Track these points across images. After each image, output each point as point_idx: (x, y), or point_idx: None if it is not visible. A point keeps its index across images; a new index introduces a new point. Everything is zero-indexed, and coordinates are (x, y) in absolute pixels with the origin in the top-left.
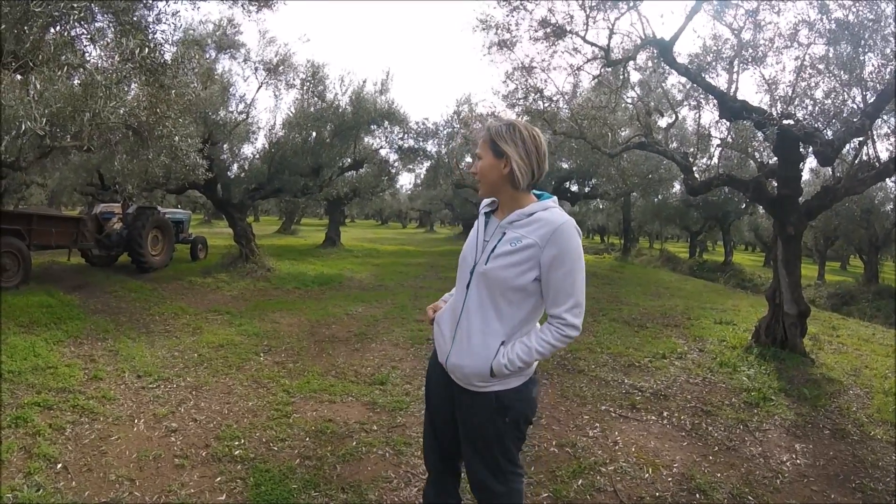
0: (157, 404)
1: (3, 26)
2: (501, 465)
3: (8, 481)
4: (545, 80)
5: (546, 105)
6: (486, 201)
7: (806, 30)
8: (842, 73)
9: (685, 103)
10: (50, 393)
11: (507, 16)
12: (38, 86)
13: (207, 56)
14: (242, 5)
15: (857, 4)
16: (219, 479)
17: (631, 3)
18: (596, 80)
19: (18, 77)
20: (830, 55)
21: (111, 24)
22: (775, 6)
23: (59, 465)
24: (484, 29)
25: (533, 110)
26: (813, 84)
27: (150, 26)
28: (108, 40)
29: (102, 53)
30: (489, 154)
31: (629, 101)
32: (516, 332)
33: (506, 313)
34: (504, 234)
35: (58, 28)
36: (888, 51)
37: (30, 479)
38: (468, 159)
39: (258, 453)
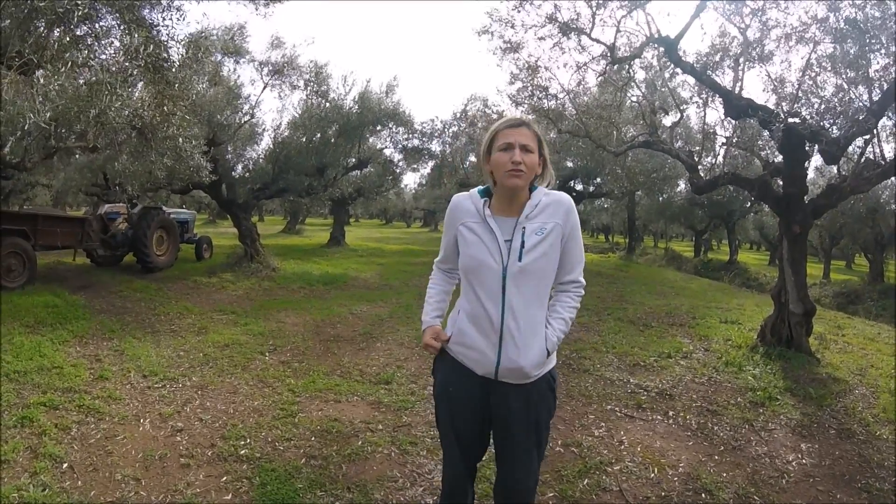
0: (162, 404)
1: (6, 23)
2: (542, 450)
3: (14, 481)
4: (549, 79)
5: (551, 103)
6: (474, 201)
7: (814, 28)
8: (848, 70)
9: (691, 101)
10: (55, 393)
11: (513, 10)
12: (43, 80)
13: (214, 58)
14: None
15: (866, 2)
16: (224, 478)
17: (637, 2)
18: (601, 77)
19: (22, 76)
20: (837, 53)
21: (116, 22)
22: (782, 4)
23: (65, 465)
24: (486, 32)
25: (539, 108)
26: (819, 82)
27: (155, 23)
28: (113, 38)
29: (107, 51)
30: (537, 152)
31: (634, 99)
32: (546, 305)
33: (544, 295)
34: (524, 228)
35: (62, 27)
36: (893, 49)
37: (35, 478)
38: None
39: (264, 453)
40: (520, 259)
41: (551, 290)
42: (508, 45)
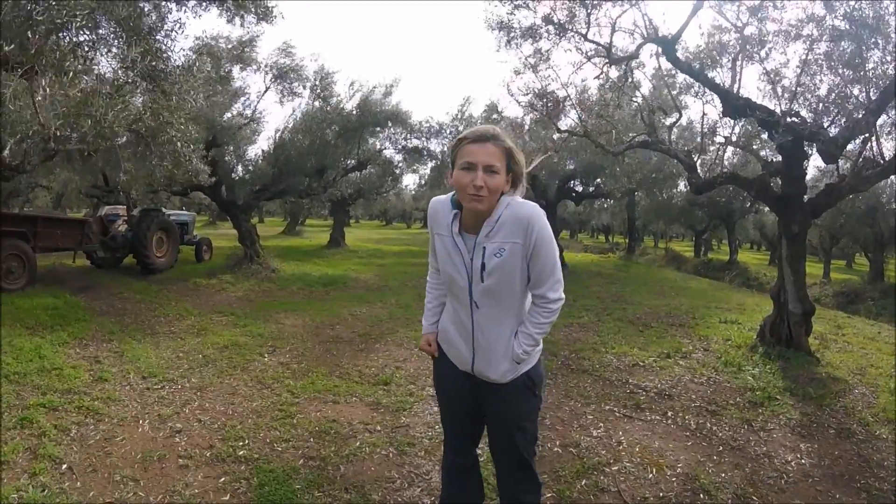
0: (161, 405)
1: (3, 18)
2: (534, 439)
3: (13, 482)
4: (547, 77)
5: (551, 104)
6: (446, 211)
7: (810, 25)
8: (845, 70)
9: (687, 99)
10: (55, 394)
11: (510, 14)
12: (48, 90)
13: (222, 66)
14: (240, 18)
15: (860, 3)
16: (223, 479)
17: (633, 2)
18: (598, 78)
19: (24, 81)
20: (834, 52)
21: (115, 33)
22: (778, 3)
23: (64, 466)
24: (489, 29)
25: (538, 107)
26: (817, 81)
27: (153, 34)
28: (113, 48)
29: (106, 61)
30: (504, 169)
31: (635, 99)
32: (523, 313)
33: (515, 306)
34: (484, 248)
35: (61, 35)
36: (891, 47)
37: (35, 479)
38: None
39: (262, 454)
40: (482, 280)
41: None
42: (509, 41)
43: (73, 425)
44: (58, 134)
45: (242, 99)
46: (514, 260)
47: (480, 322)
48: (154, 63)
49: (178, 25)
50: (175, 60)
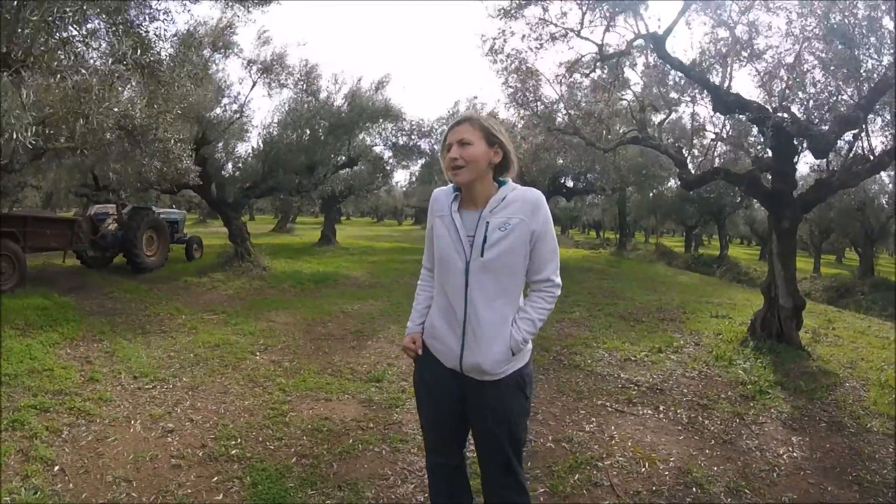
0: (153, 405)
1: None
2: (521, 442)
3: (6, 484)
4: (538, 77)
5: (542, 106)
6: (447, 196)
7: (799, 28)
8: (838, 68)
9: (681, 98)
10: (46, 395)
11: (498, 22)
12: (32, 95)
13: (203, 54)
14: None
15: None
16: (216, 478)
17: (626, 2)
18: (589, 76)
19: (8, 78)
20: (826, 55)
21: (104, 25)
22: (770, 5)
23: (56, 468)
24: (483, 41)
25: (530, 106)
26: (808, 79)
27: (142, 24)
28: (102, 42)
29: (96, 55)
30: (482, 142)
31: (624, 98)
32: (517, 302)
33: (511, 291)
34: (488, 223)
35: (50, 30)
36: (884, 48)
37: (27, 481)
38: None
39: (255, 452)
40: (482, 254)
41: (525, 289)
42: (495, 50)
43: (65, 426)
44: (45, 131)
45: (229, 93)
46: (518, 235)
47: (474, 302)
48: (146, 56)
49: (165, 14)
50: (165, 50)
